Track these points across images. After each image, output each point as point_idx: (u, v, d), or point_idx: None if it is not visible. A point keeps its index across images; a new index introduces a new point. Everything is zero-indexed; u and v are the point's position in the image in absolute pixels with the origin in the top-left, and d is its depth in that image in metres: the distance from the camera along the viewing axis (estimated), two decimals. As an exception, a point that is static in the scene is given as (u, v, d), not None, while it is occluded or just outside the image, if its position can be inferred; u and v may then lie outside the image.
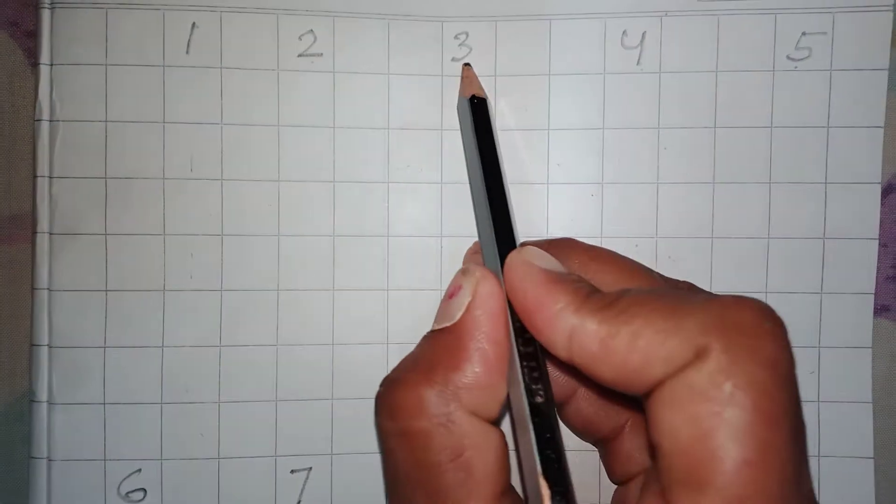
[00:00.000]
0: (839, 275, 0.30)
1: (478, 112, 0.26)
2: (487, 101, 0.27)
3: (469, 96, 0.26)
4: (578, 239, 0.25)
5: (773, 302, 0.30)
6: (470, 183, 0.29)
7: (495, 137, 0.25)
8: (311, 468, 0.30)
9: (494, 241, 0.23)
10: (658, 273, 0.24)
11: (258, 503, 0.30)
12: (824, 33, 0.29)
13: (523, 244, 0.23)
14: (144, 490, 0.30)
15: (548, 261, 0.21)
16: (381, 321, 0.30)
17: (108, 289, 0.30)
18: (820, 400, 0.30)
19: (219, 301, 0.30)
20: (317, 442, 0.30)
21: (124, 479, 0.30)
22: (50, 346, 0.29)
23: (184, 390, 0.30)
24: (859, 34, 0.29)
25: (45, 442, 0.29)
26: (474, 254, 0.29)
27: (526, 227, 0.30)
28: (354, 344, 0.30)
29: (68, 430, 0.29)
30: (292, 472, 0.30)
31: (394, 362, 0.30)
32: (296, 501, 0.30)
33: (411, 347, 0.29)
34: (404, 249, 0.30)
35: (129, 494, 0.30)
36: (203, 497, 0.30)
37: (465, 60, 0.30)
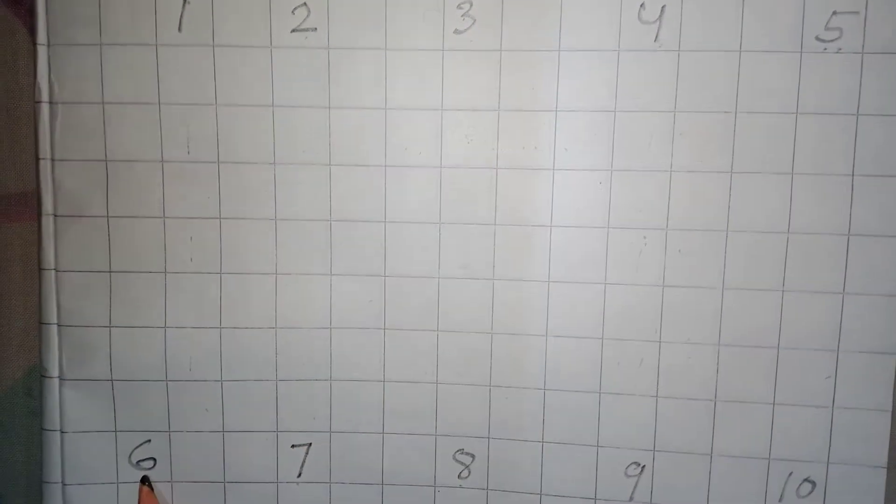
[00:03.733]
0: (863, 274, 0.28)
1: None
2: None
3: None
4: None
5: (790, 301, 0.28)
6: None
7: None
8: (310, 444, 0.31)
9: None
10: None
11: (261, 474, 0.31)
12: (856, 13, 0.26)
13: None
14: (154, 459, 0.31)
15: None
16: (378, 307, 0.30)
17: (112, 270, 0.30)
18: (835, 406, 0.29)
19: (218, 283, 0.30)
20: (316, 419, 0.31)
21: (135, 448, 0.31)
22: (59, 325, 0.30)
23: (187, 369, 0.30)
24: (894, 14, 0.26)
25: (56, 415, 0.30)
26: None
27: (530, 214, 0.29)
28: (352, 328, 0.30)
29: (79, 404, 0.30)
30: (293, 446, 0.31)
31: (390, 346, 0.30)
32: (297, 474, 0.31)
33: (407, 334, 0.29)
34: (401, 234, 0.29)
35: (140, 463, 0.31)
36: (209, 467, 0.31)
37: (467, 32, 0.28)
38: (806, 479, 0.29)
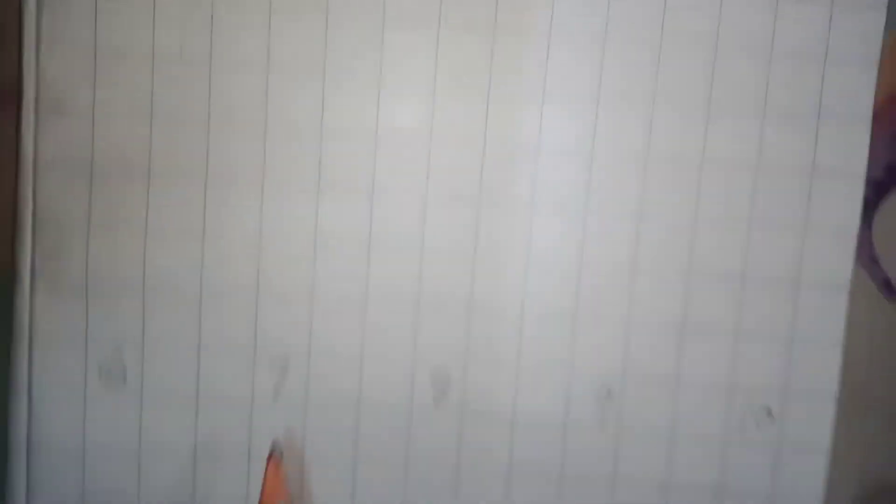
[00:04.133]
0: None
1: None
2: None
3: None
4: None
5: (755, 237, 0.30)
6: None
7: None
8: (288, 362, 0.31)
9: None
10: None
11: (237, 393, 0.31)
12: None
13: None
14: (125, 371, 0.30)
15: None
16: (365, 224, 0.30)
17: (94, 168, 0.29)
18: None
19: (203, 190, 0.30)
20: (295, 338, 0.31)
21: (105, 359, 0.30)
22: (34, 221, 0.29)
23: (164, 279, 0.30)
24: None
25: (25, 319, 0.29)
26: None
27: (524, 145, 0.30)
28: (336, 244, 0.30)
29: (49, 309, 0.29)
30: (270, 365, 0.31)
31: (375, 261, 0.30)
32: (273, 393, 0.31)
33: (397, 250, 0.30)
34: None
35: (109, 374, 0.30)
36: (183, 382, 0.30)
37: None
38: (763, 409, 0.31)
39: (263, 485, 0.26)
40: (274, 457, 0.27)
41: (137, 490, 0.30)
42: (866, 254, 0.30)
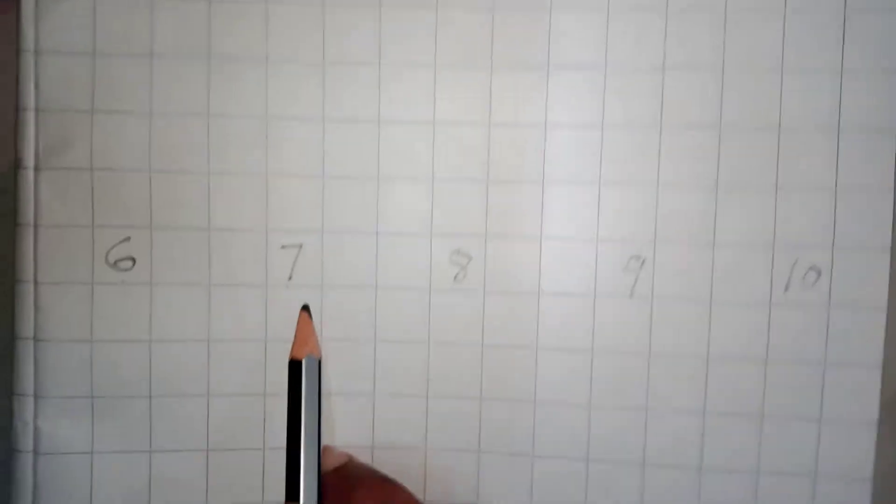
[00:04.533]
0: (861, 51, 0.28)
1: (295, 375, 0.24)
2: (314, 363, 0.25)
3: (293, 359, 0.25)
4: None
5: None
6: None
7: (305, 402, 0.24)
8: (301, 244, 0.30)
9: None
10: None
11: (249, 276, 0.29)
12: None
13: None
14: (133, 259, 0.29)
15: None
16: (373, 101, 0.29)
17: (97, 53, 0.29)
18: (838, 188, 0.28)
19: (207, 71, 0.29)
20: (307, 218, 0.29)
21: (112, 247, 0.29)
22: (37, 110, 0.29)
23: (171, 159, 0.29)
24: None
25: (31, 209, 0.29)
26: None
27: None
28: (344, 122, 0.29)
29: (55, 197, 0.29)
30: (283, 247, 0.30)
31: (387, 137, 0.29)
32: (287, 276, 0.30)
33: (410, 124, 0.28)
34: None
35: (118, 263, 0.29)
36: (192, 267, 0.29)
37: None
38: (811, 268, 0.29)
39: (296, 334, 0.26)
40: (306, 310, 0.26)
41: (149, 382, 0.29)
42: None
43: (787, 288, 0.29)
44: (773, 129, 0.28)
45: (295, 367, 0.25)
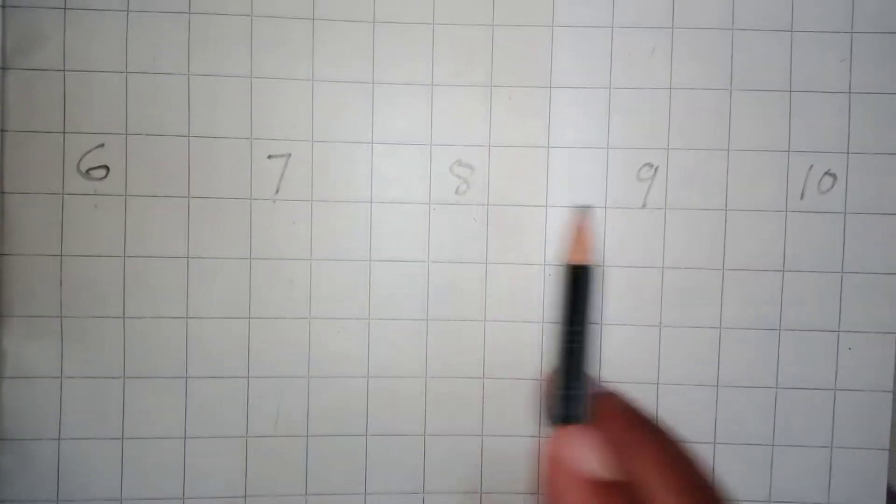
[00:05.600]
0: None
1: (576, 281, 0.22)
2: (590, 270, 0.23)
3: (571, 263, 0.23)
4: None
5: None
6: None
7: (589, 309, 0.22)
8: (289, 154, 0.28)
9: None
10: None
11: (233, 188, 0.27)
12: None
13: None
14: (107, 168, 0.27)
15: (592, 462, 0.18)
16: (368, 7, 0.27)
17: (69, -56, 0.27)
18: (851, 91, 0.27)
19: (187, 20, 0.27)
20: (297, 127, 0.27)
21: (85, 154, 0.27)
22: (3, 6, 0.26)
23: (149, 59, 0.27)
24: None
25: (-2, 105, 0.26)
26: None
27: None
28: (337, 20, 0.27)
29: (23, 99, 0.26)
30: (270, 157, 0.27)
31: (382, 43, 0.27)
32: (274, 189, 0.27)
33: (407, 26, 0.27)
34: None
35: (91, 172, 0.27)
36: (171, 177, 0.27)
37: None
38: (826, 173, 0.27)
39: (572, 240, 0.23)
40: (584, 214, 0.24)
41: (123, 301, 0.27)
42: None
43: (802, 195, 0.27)
44: (786, 30, 0.27)
45: (577, 271, 0.22)
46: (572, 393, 0.19)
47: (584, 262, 0.21)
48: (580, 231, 0.23)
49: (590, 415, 0.18)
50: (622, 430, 0.18)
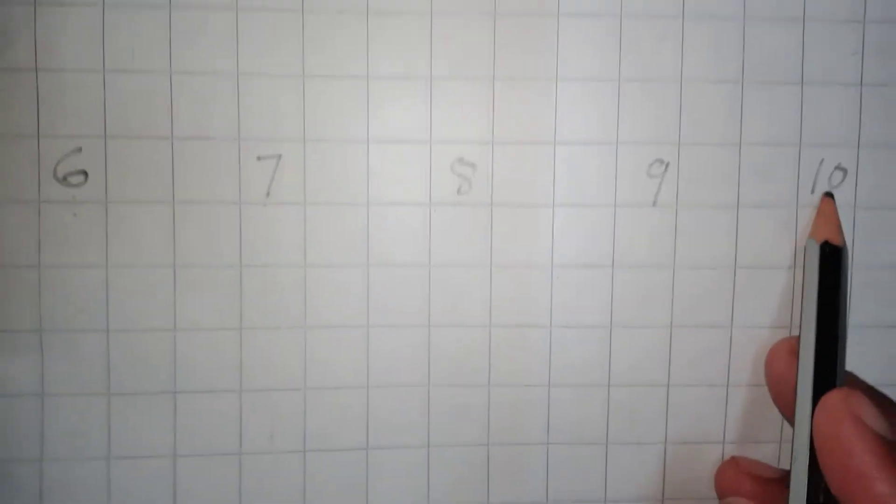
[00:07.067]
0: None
1: (828, 263, 0.21)
2: (844, 251, 0.22)
3: (821, 241, 0.21)
4: None
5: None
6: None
7: (844, 295, 0.21)
8: (280, 155, 0.26)
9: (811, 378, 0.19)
10: None
11: (220, 192, 0.26)
12: None
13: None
14: (85, 173, 0.25)
15: (879, 422, 0.16)
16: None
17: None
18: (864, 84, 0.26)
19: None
20: (287, 125, 0.26)
21: (61, 159, 0.25)
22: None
23: (128, 57, 0.25)
24: None
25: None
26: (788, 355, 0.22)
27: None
28: (329, 12, 0.26)
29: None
30: (259, 158, 0.26)
31: (376, 31, 0.26)
32: (265, 192, 0.26)
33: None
34: None
35: (68, 178, 0.25)
36: (154, 182, 0.26)
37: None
38: (837, 167, 0.27)
39: (821, 219, 0.22)
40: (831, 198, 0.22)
41: (106, 313, 0.25)
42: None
43: (813, 190, 0.26)
44: (798, 20, 0.26)
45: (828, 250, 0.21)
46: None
47: (836, 242, 0.20)
48: (829, 212, 0.21)
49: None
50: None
